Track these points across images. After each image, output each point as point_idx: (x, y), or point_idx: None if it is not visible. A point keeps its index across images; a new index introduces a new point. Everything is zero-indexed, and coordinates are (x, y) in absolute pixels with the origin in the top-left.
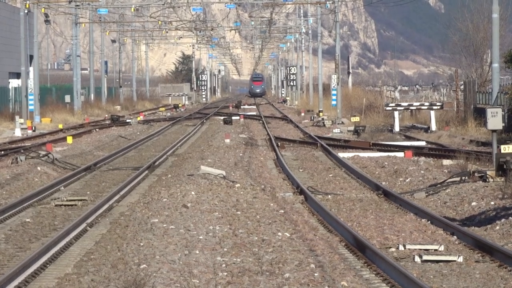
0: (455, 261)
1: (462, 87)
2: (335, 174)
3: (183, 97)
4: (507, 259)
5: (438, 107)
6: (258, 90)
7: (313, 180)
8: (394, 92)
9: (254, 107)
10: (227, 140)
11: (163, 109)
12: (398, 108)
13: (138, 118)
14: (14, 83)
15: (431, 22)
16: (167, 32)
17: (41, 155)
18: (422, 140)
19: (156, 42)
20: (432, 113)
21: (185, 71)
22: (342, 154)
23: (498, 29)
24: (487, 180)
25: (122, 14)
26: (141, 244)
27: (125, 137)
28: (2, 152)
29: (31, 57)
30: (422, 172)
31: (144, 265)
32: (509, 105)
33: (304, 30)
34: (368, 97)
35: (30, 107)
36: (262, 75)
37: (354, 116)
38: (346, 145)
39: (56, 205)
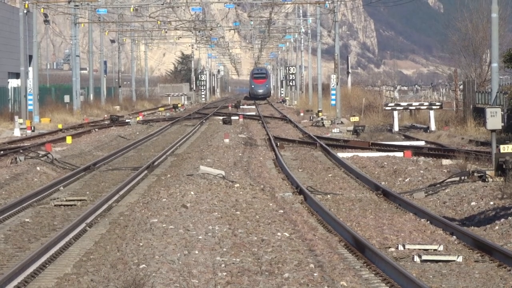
0: (454, 261)
1: (461, 87)
2: (335, 174)
3: (182, 97)
4: (507, 259)
5: (438, 107)
6: (261, 91)
7: (313, 180)
8: (393, 92)
9: (254, 107)
10: (227, 140)
11: (162, 109)
12: (398, 108)
13: (138, 118)
14: (13, 83)
15: (430, 21)
16: (166, 32)
17: (40, 155)
18: (422, 140)
19: (155, 42)
20: (432, 113)
21: (184, 71)
22: (342, 154)
23: (497, 28)
24: (487, 180)
25: (121, 14)
26: (141, 244)
27: (125, 137)
28: (1, 152)
29: (30, 57)
30: (422, 172)
31: (144, 265)
32: (508, 105)
33: (303, 30)
34: (368, 97)
35: (29, 107)
36: (266, 70)
37: (354, 116)
38: (345, 145)
39: (55, 205)
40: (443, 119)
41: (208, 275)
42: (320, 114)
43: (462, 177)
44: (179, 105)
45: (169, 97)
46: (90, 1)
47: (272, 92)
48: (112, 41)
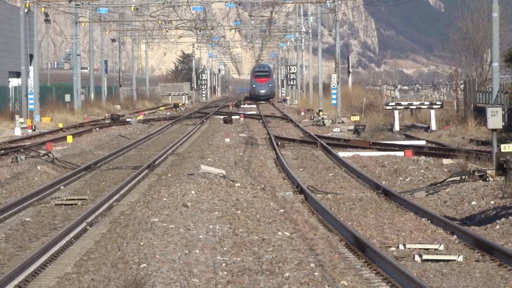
0: (455, 260)
1: (462, 86)
2: (335, 173)
3: (183, 96)
4: (507, 258)
5: (438, 106)
6: (263, 91)
7: (313, 179)
8: (394, 91)
9: (254, 106)
10: (227, 139)
11: (163, 108)
12: (398, 107)
13: (138, 117)
14: (14, 82)
15: (431, 21)
16: (167, 31)
17: (41, 154)
18: (422, 139)
19: (156, 41)
20: (432, 112)
21: (185, 70)
22: (342, 153)
23: (498, 28)
24: (487, 179)
25: (122, 13)
26: (141, 243)
27: (125, 136)
28: (2, 151)
29: (31, 56)
30: (422, 171)
31: (144, 265)
32: (509, 104)
33: (304, 29)
34: (368, 96)
35: (30, 106)
36: (269, 67)
37: (354, 115)
38: (346, 144)
39: (56, 204)
40: (444, 118)
41: (209, 274)
42: (320, 113)
43: (463, 177)
44: (180, 104)
45: (170, 96)
46: (91, 0)
47: None
48: (113, 40)
